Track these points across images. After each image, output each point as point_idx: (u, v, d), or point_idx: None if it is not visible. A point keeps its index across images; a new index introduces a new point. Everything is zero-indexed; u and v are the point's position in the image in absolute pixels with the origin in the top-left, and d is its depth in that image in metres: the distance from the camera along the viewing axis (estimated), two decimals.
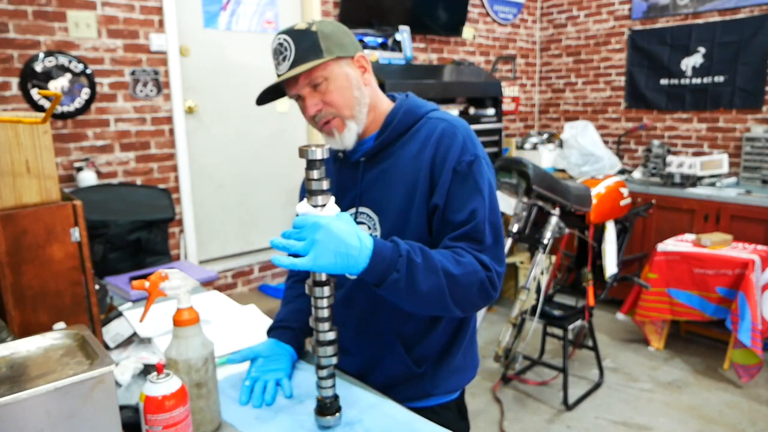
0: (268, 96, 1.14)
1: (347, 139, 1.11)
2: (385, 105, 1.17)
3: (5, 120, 1.06)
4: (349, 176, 1.18)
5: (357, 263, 0.90)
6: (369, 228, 1.13)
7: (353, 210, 1.16)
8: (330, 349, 0.98)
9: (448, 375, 1.19)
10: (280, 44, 1.06)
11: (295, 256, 0.89)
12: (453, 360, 1.20)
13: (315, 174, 0.92)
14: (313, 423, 1.01)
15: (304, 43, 1.04)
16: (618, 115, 4.59)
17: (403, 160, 1.11)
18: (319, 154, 0.91)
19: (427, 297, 0.96)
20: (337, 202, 1.16)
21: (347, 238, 0.89)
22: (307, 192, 0.94)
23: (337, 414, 1.00)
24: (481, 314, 2.54)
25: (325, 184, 0.93)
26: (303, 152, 0.91)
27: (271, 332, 1.24)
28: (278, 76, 1.08)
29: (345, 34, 1.10)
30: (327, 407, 0.99)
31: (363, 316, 1.16)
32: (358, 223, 1.14)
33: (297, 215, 0.93)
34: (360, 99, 1.10)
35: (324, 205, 0.93)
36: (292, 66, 1.04)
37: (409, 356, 1.15)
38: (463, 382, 1.24)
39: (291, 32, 1.05)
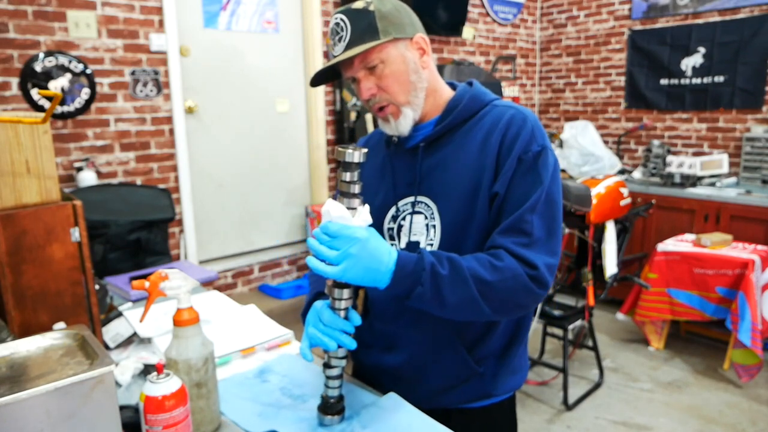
0: (322, 77, 1.10)
1: (403, 126, 1.07)
2: (446, 90, 1.13)
3: (5, 120, 1.06)
4: (404, 163, 1.13)
5: (383, 279, 0.91)
6: (426, 218, 1.08)
7: (411, 199, 1.10)
8: (342, 351, 0.98)
9: (507, 375, 1.15)
10: (337, 24, 1.02)
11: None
12: (512, 360, 1.16)
13: (347, 176, 0.90)
14: (314, 421, 1.01)
15: (360, 24, 1.00)
16: (618, 115, 4.59)
17: (467, 147, 1.06)
18: (356, 157, 0.88)
19: (457, 307, 0.95)
20: (391, 190, 1.12)
21: (381, 255, 0.89)
22: (338, 193, 0.92)
23: (339, 415, 1.00)
24: None
25: (356, 188, 0.91)
26: (340, 153, 0.89)
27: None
28: (334, 56, 1.04)
29: (404, 14, 1.05)
30: (330, 406, 0.99)
31: (417, 315, 1.09)
32: (416, 212, 1.09)
33: (329, 217, 0.90)
34: (417, 83, 1.06)
35: (355, 209, 0.91)
36: (348, 47, 1.01)
37: (471, 356, 1.10)
38: (519, 383, 1.20)
39: (348, 11, 1.02)
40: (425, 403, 1.08)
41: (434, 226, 1.06)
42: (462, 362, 1.10)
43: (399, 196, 1.12)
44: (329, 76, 1.11)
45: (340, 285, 0.95)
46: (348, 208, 0.91)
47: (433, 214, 1.07)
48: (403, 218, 1.10)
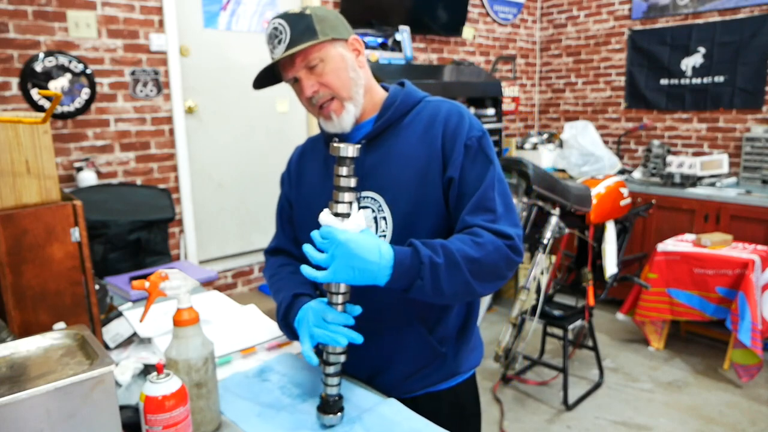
0: (264, 81, 1.14)
1: (345, 121, 1.11)
2: (380, 90, 1.19)
3: (5, 120, 1.06)
4: None
5: (378, 276, 0.93)
6: (374, 211, 1.11)
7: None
8: (339, 347, 0.98)
9: (468, 353, 1.21)
10: (275, 28, 1.06)
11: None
12: (471, 337, 1.22)
13: (343, 171, 0.95)
14: (314, 421, 1.01)
15: (299, 26, 1.05)
16: (618, 115, 4.59)
17: (409, 140, 1.11)
18: (350, 152, 0.94)
19: (453, 293, 0.99)
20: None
21: (366, 254, 0.91)
22: (334, 188, 0.96)
23: (339, 414, 0.99)
24: (481, 314, 2.54)
25: (352, 182, 0.95)
26: (334, 149, 0.94)
27: (292, 309, 1.14)
28: (273, 59, 1.08)
29: (337, 19, 1.11)
30: (330, 405, 0.99)
31: (379, 305, 1.12)
32: (362, 207, 1.12)
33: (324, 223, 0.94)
34: (356, 80, 1.10)
35: (350, 203, 0.95)
36: (288, 48, 1.05)
37: (433, 337, 1.15)
38: (478, 359, 1.26)
39: (286, 16, 1.07)
40: (394, 392, 1.12)
41: (384, 218, 1.10)
42: (426, 345, 1.15)
43: None
44: (270, 80, 1.15)
45: None
46: (344, 203, 0.95)
47: (381, 206, 1.10)
48: None
